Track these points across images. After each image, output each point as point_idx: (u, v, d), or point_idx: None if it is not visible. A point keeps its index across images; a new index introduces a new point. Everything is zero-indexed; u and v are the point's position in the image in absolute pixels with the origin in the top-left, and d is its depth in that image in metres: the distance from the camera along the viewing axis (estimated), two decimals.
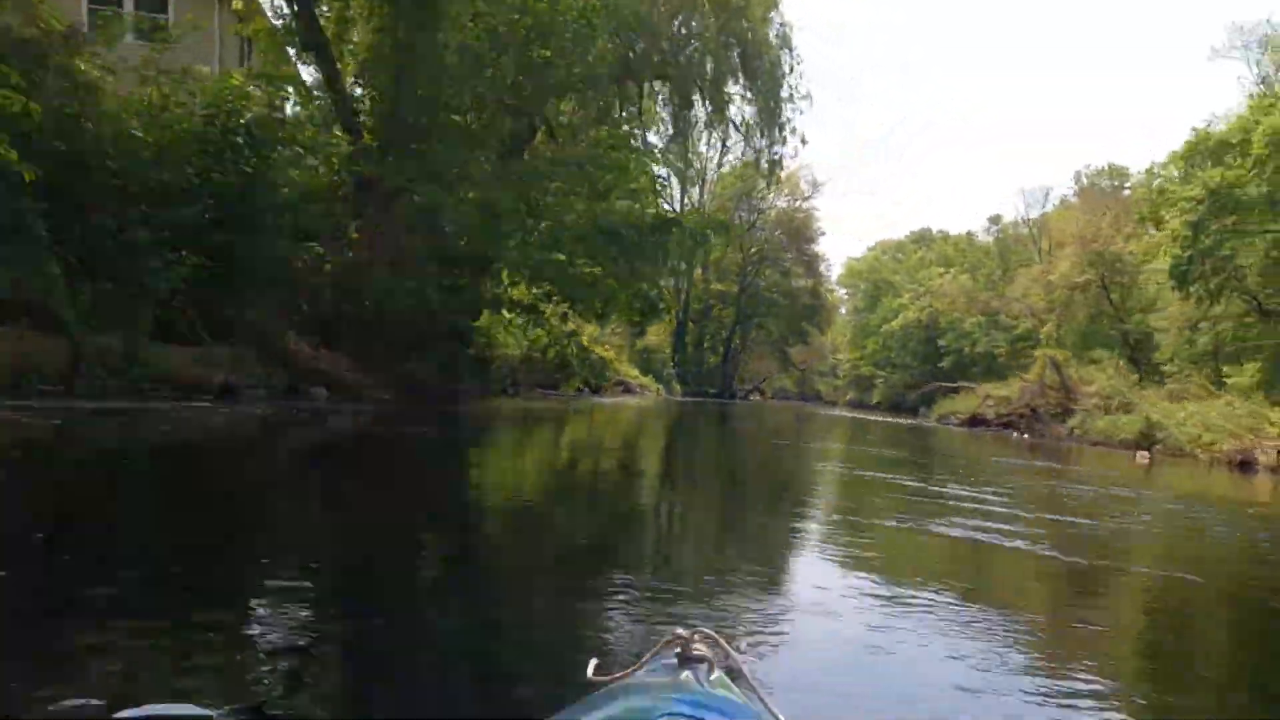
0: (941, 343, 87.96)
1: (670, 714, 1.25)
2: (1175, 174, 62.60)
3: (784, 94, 32.60)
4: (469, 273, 18.18)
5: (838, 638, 4.17)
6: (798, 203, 65.22)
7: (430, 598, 4.38)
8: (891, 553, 7.25)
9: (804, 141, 36.03)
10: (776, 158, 34.17)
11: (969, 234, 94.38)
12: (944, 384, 50.09)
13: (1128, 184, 65.91)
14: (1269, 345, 37.70)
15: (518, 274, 19.31)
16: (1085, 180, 67.47)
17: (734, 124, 34.08)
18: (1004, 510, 10.19)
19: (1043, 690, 3.70)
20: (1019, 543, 7.96)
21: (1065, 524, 9.75)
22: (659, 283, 27.06)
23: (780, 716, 1.42)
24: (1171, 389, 32.21)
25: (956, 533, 8.03)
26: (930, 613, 4.91)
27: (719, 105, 30.49)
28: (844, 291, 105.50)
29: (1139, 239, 54.00)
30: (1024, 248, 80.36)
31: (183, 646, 3.31)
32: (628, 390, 45.27)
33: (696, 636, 1.53)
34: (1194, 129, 34.79)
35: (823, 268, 68.85)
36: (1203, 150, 33.55)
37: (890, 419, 50.89)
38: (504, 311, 23.21)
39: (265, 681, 2.96)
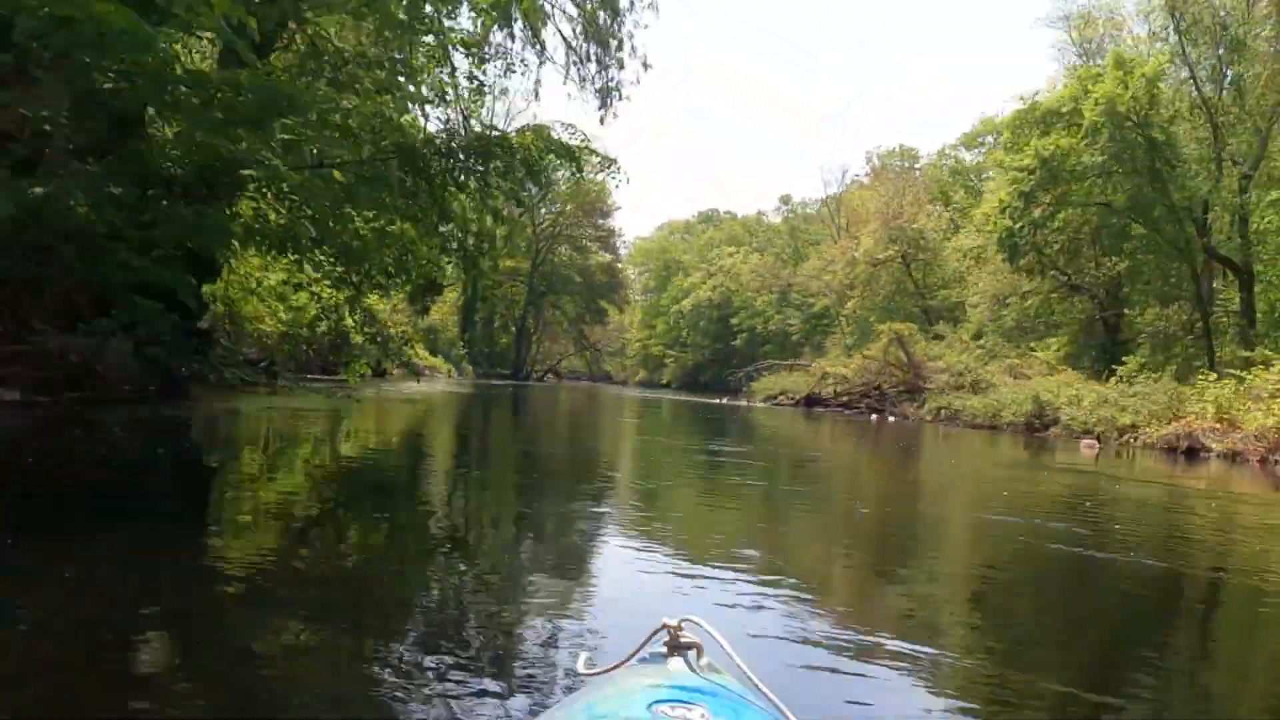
0: (734, 321, 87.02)
1: (660, 701, 1.25)
2: (968, 154, 63.80)
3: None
4: (193, 198, 11.75)
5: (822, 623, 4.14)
6: (599, 175, 61.14)
7: None
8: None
9: (646, 65, 29.47)
10: (613, 84, 27.84)
11: (759, 214, 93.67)
12: (775, 361, 46.82)
13: (917, 164, 66.37)
14: (1073, 321, 37.47)
15: (269, 202, 13.24)
16: (877, 161, 67.42)
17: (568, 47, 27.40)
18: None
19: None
20: None
21: None
22: (472, 230, 21.61)
23: (773, 698, 1.40)
24: (1011, 364, 30.38)
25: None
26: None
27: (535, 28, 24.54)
28: (635, 271, 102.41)
29: (932, 217, 53.91)
30: (816, 226, 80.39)
31: None
32: (416, 374, 39.40)
33: (683, 624, 1.51)
34: (1022, 99, 32.98)
35: (619, 243, 65.49)
36: (1030, 120, 31.89)
37: (707, 400, 47.53)
38: (248, 258, 16.88)
39: None
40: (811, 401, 35.96)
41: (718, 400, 48.71)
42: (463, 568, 5.01)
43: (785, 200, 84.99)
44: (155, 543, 4.88)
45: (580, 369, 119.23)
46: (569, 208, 60.49)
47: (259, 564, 4.66)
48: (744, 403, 46.97)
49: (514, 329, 63.66)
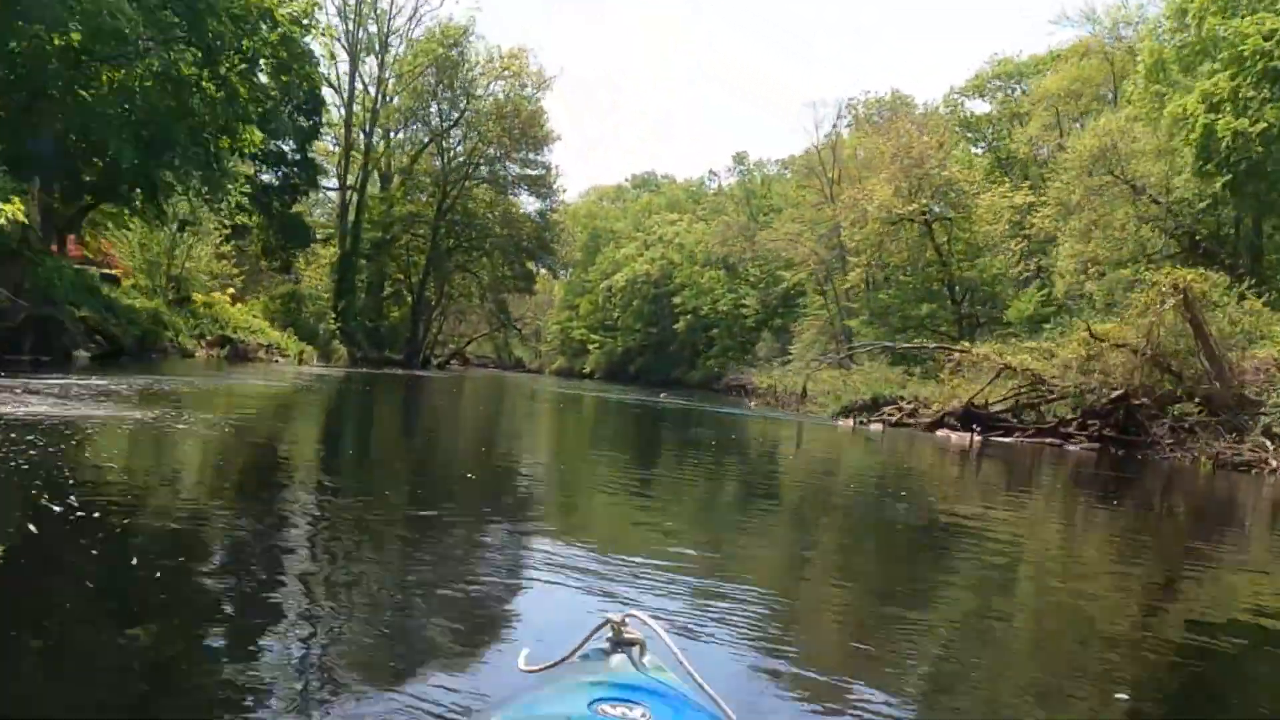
0: (675, 301, 74.17)
1: (603, 700, 1.24)
2: (979, 103, 52.00)
3: None
4: None
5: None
6: (527, 89, 46.92)
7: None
8: None
9: None
10: None
11: (711, 172, 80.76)
12: (928, 344, 29.61)
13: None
14: None
15: None
16: (861, 110, 54.90)
17: None
18: None
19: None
20: None
21: None
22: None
23: (714, 695, 1.39)
24: None
25: None
26: None
27: None
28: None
29: (963, 166, 41.91)
30: (781, 187, 67.83)
31: None
32: (241, 357, 25.36)
33: (627, 620, 1.50)
34: None
35: (558, 185, 51.37)
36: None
37: (685, 402, 34.06)
38: None
39: None
40: (975, 419, 18.95)
41: (711, 407, 35.23)
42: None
43: (740, 159, 72.36)
44: None
45: (489, 355, 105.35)
46: (492, 129, 46.16)
47: None
48: (748, 406, 33.65)
49: (410, 299, 49.21)
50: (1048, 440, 17.82)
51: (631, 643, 1.49)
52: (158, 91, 16.43)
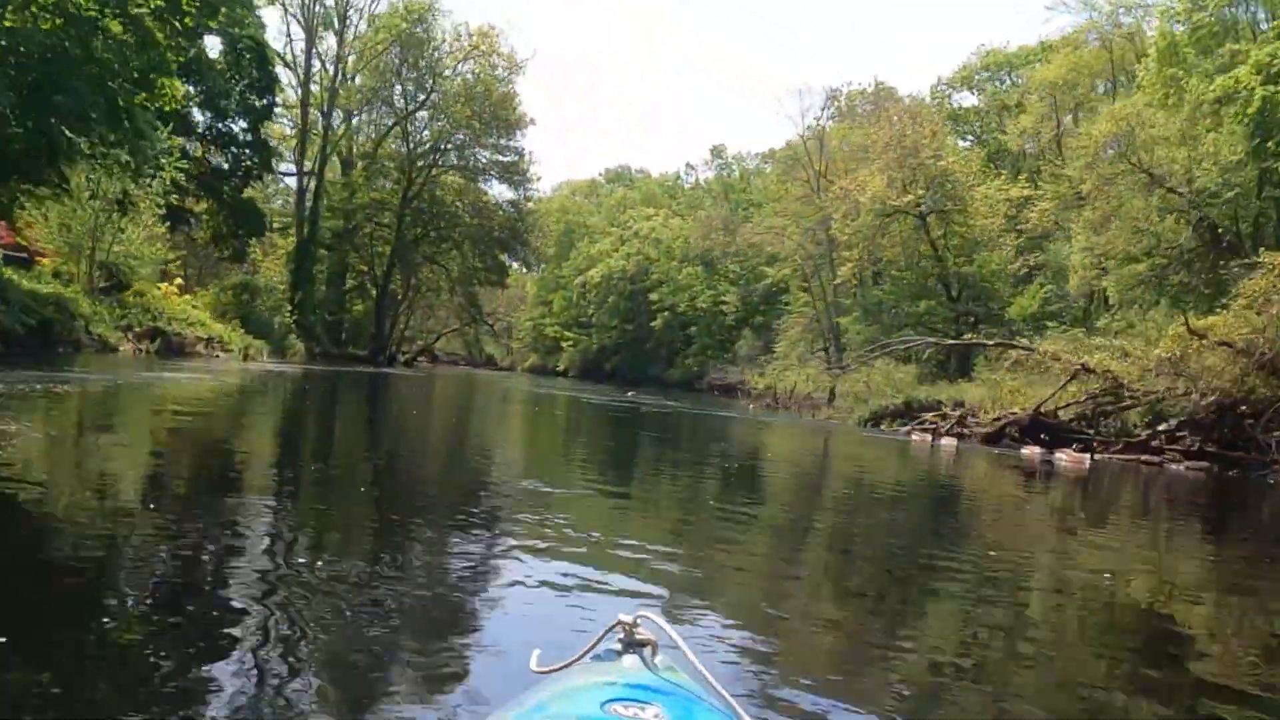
0: (652, 298, 71.88)
1: (615, 700, 1.24)
2: (966, 95, 50.12)
3: None
4: None
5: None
6: (498, 70, 44.12)
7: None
8: None
9: None
10: None
11: (688, 166, 78.63)
12: (984, 341, 25.94)
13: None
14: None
15: None
16: (844, 102, 52.74)
17: None
18: None
19: None
20: None
21: None
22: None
23: (726, 695, 1.40)
24: None
25: None
26: None
27: None
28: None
29: (958, 157, 39.92)
30: (761, 181, 65.71)
31: None
32: (175, 352, 22.74)
33: (639, 621, 1.50)
34: None
35: (532, 172, 48.36)
36: None
37: (675, 404, 31.69)
38: None
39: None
40: (1035, 431, 16.42)
41: (700, 409, 32.97)
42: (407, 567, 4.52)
43: (718, 153, 70.14)
44: None
45: (458, 352, 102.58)
46: (461, 112, 43.11)
47: None
48: (744, 409, 31.35)
49: (375, 291, 46.33)
50: (1141, 458, 14.99)
51: (643, 643, 1.47)
52: (45, 31, 13.80)
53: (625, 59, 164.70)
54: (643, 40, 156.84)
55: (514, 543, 5.26)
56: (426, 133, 45.76)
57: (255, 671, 2.84)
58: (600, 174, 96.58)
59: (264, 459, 8.49)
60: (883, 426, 19.05)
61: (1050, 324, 30.50)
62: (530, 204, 49.38)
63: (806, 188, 46.61)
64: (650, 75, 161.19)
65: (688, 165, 78.53)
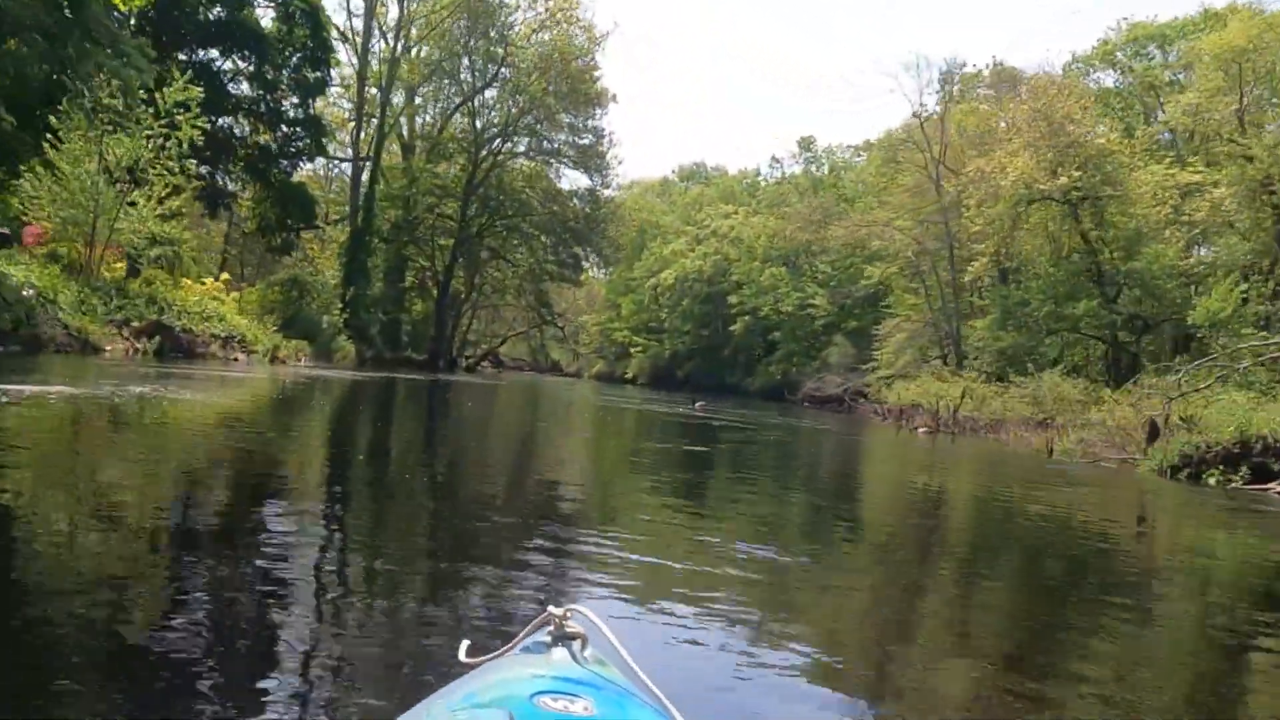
0: (731, 300, 66.76)
1: (543, 692, 1.24)
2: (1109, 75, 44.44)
3: None
4: None
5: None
6: (578, 40, 39.12)
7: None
8: None
9: None
10: None
11: (774, 159, 73.45)
12: None
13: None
14: None
15: None
16: (956, 87, 46.89)
17: None
18: None
19: None
20: None
21: None
22: None
23: (655, 690, 1.40)
24: None
25: None
26: None
27: None
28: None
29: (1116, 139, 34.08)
30: (854, 175, 60.17)
31: None
32: (184, 352, 18.36)
33: (569, 614, 1.49)
34: None
35: (611, 156, 43.22)
36: None
37: (859, 436, 26.43)
38: None
39: None
40: None
41: (844, 432, 27.91)
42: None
43: (805, 144, 64.66)
44: None
45: (523, 357, 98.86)
46: (535, 86, 38.46)
47: None
48: (915, 433, 25.95)
49: (434, 288, 41.77)
50: None
51: (573, 637, 1.47)
52: None
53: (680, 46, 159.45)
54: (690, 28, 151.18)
55: None
56: (496, 112, 41.20)
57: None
58: (673, 171, 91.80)
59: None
60: (1210, 480, 12.42)
61: (1261, 331, 24.79)
62: (609, 190, 44.11)
63: (921, 175, 41.05)
64: (696, 67, 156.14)
65: (773, 159, 73.07)
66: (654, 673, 1.41)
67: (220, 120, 28.52)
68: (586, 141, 41.07)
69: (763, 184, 74.80)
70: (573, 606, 1.51)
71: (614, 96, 40.27)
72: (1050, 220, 32.63)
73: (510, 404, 23.34)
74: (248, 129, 31.15)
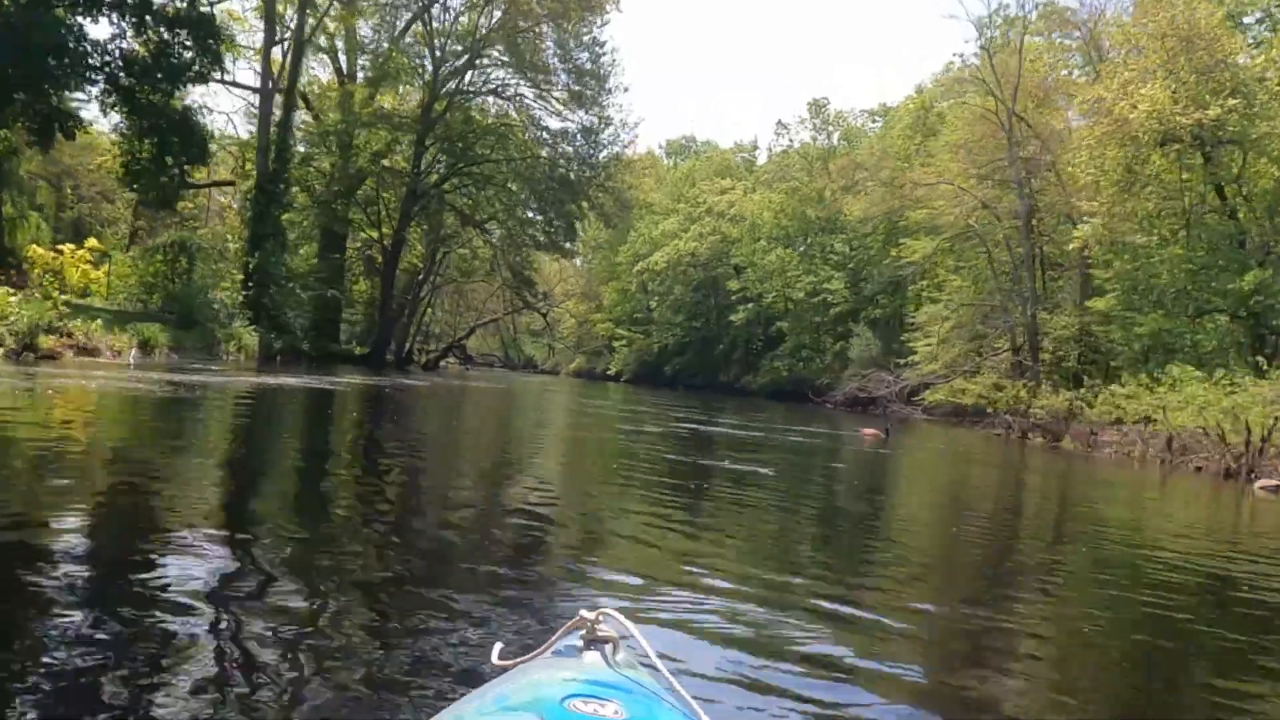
0: (731, 286, 58.79)
1: (575, 695, 1.24)
2: None
3: None
4: None
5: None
6: None
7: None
8: None
9: None
10: None
11: (780, 126, 65.77)
12: None
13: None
14: None
15: None
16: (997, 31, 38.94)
17: None
18: None
19: None
20: None
21: None
22: None
23: (685, 694, 1.38)
24: None
25: None
26: None
27: None
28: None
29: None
30: (871, 143, 52.23)
31: None
32: None
33: (601, 617, 1.49)
34: None
35: (615, 82, 33.28)
36: None
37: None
38: None
39: None
40: None
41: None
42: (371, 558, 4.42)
43: (816, 109, 56.75)
44: None
45: (494, 352, 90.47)
46: None
47: None
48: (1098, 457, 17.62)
49: (379, 264, 32.62)
50: None
51: (605, 640, 1.47)
52: None
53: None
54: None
55: None
56: (463, 20, 31.61)
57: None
58: (660, 146, 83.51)
59: None
60: None
61: None
62: (612, 128, 33.87)
63: (988, 124, 33.21)
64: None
65: (779, 124, 65.30)
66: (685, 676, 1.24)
67: (59, 12, 20.16)
68: (581, 62, 31.45)
69: (768, 153, 66.86)
70: (605, 610, 1.49)
71: (616, 3, 30.89)
72: (1173, 170, 24.93)
73: (475, 430, 15.32)
74: (109, 30, 22.82)
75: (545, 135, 32.53)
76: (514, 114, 31.96)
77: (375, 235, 32.72)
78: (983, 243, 33.67)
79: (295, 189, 27.81)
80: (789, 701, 3.02)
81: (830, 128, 58.22)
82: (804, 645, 3.68)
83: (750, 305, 56.76)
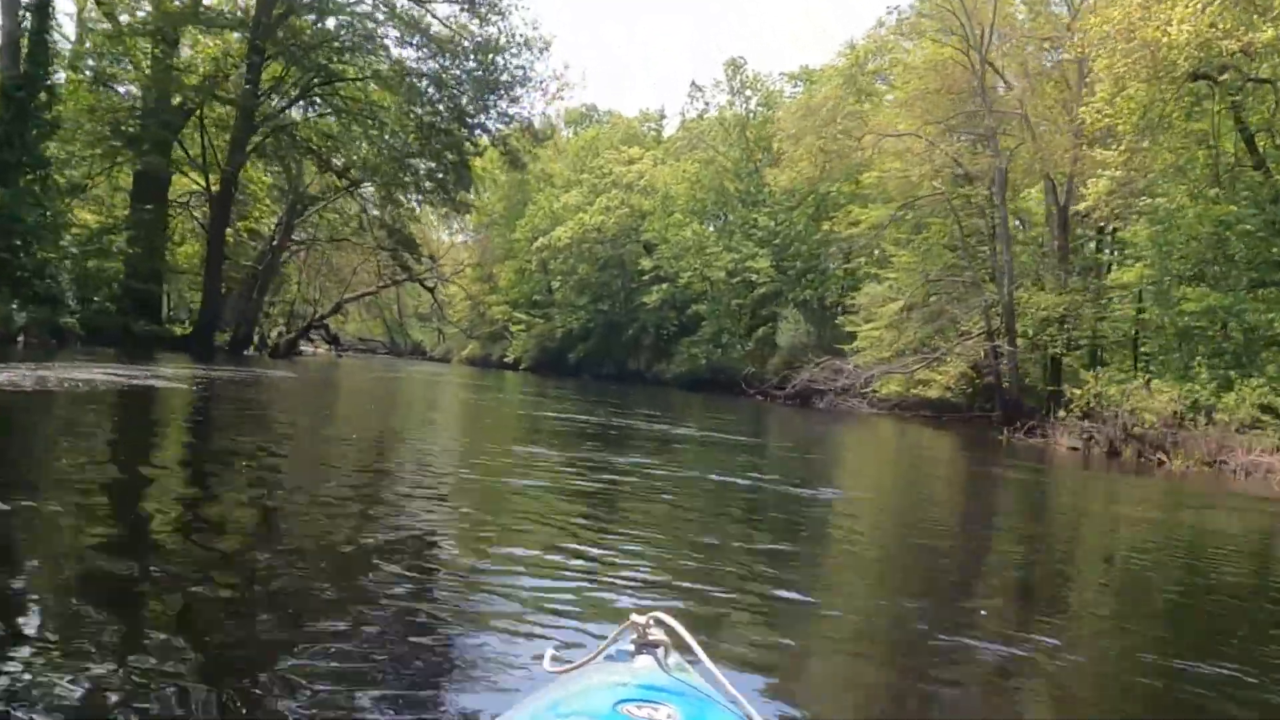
0: (644, 264, 53.05)
1: (628, 700, 1.24)
2: None
3: None
4: None
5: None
6: None
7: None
8: None
9: None
10: None
11: (694, 88, 60.26)
12: None
13: None
14: None
15: None
16: None
17: None
18: None
19: None
20: None
21: None
22: None
23: (739, 697, 1.39)
24: None
25: None
26: None
27: None
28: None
29: None
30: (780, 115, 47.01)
31: None
32: None
33: (652, 621, 1.49)
34: None
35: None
36: None
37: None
38: None
39: None
40: None
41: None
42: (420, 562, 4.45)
43: (734, 68, 51.42)
44: None
45: (375, 337, 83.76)
46: None
47: None
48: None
49: (198, 220, 25.08)
50: None
51: (656, 644, 1.46)
52: None
53: None
54: None
55: None
56: None
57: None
58: (559, 114, 76.81)
59: None
60: None
61: None
62: (519, 43, 26.05)
63: (956, 69, 28.22)
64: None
65: (693, 86, 59.70)
66: (738, 681, 1.36)
67: None
68: None
69: (681, 118, 61.23)
70: (655, 614, 1.48)
71: None
72: (1201, 114, 20.30)
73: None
74: None
75: (427, 51, 25.27)
76: (381, 16, 24.60)
77: (202, 185, 25.40)
78: (949, 209, 28.74)
79: (78, 110, 20.61)
80: (843, 701, 3.12)
81: (749, 91, 52.86)
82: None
83: (664, 286, 51.21)
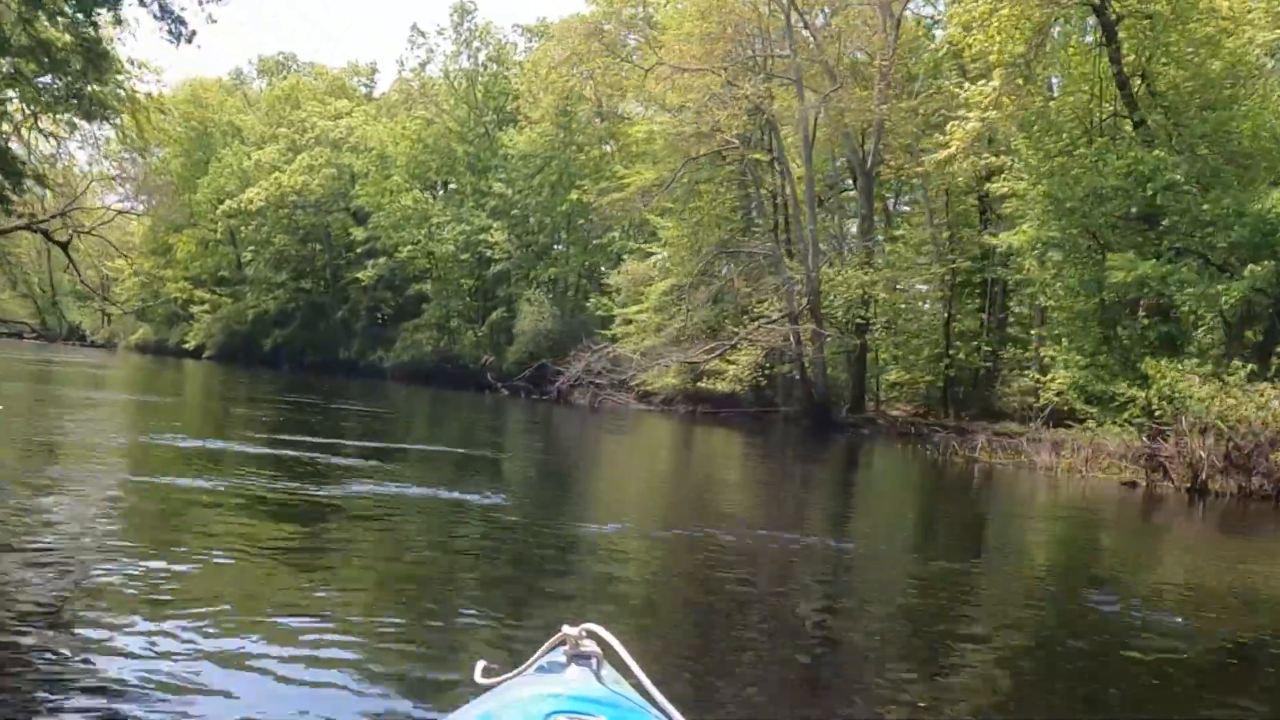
0: (357, 235, 44.90)
1: (560, 712, 1.24)
2: None
3: None
4: None
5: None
6: None
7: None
8: None
9: None
10: None
11: (417, 33, 52.46)
12: None
13: None
14: None
15: None
16: None
17: None
18: None
19: None
20: None
21: None
22: None
23: (670, 708, 1.39)
24: None
25: None
26: None
27: None
28: (127, 156, 51.02)
29: None
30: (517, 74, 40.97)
31: None
32: None
33: (584, 633, 1.47)
34: None
35: None
36: None
37: None
38: None
39: None
40: None
41: None
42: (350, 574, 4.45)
43: (461, 13, 44.58)
44: None
45: (22, 319, 70.72)
46: None
47: None
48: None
49: None
50: None
51: (588, 656, 1.44)
52: None
53: None
54: None
55: None
56: None
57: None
58: (250, 63, 66.21)
59: None
60: None
61: None
62: None
63: (746, 7, 23.52)
64: None
65: (414, 30, 52.02)
66: (668, 689, 1.37)
67: None
68: None
69: (400, 68, 53.33)
70: (588, 625, 1.47)
71: None
72: (1074, 51, 16.86)
73: None
74: None
75: None
76: None
77: None
78: (737, 171, 24.21)
79: None
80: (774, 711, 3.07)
81: (478, 43, 46.26)
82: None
83: (380, 261, 43.78)
